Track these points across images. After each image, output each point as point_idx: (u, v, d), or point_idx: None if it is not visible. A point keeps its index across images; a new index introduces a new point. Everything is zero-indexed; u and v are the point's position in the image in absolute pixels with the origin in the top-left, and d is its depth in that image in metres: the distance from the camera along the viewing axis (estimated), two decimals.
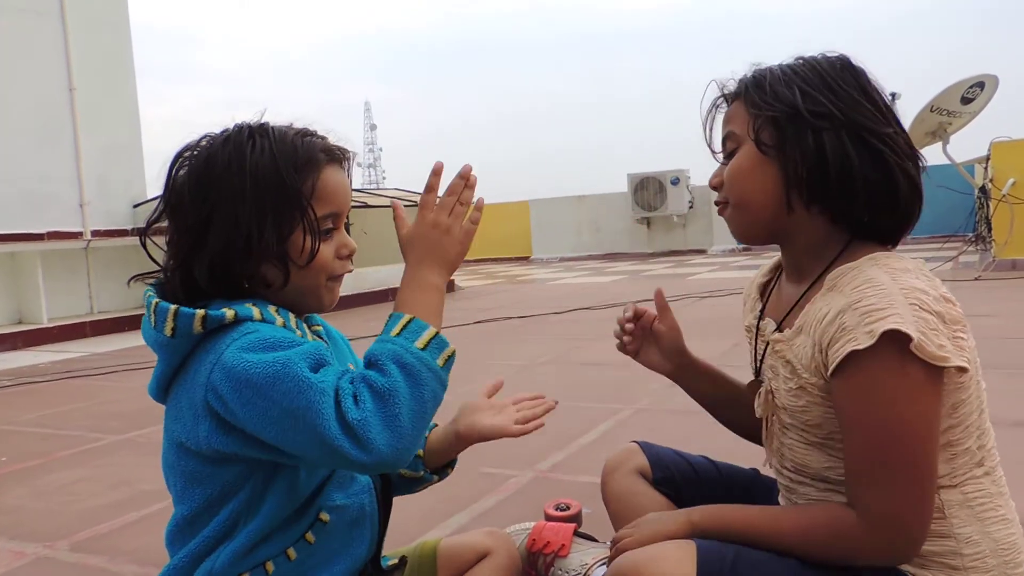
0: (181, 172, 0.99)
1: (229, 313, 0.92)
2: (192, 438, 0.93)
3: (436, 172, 0.98)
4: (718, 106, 1.12)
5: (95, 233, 6.76)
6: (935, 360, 0.88)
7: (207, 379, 0.90)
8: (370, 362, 0.89)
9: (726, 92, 1.10)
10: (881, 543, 0.92)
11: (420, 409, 0.86)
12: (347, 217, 1.04)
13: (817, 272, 1.04)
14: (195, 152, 0.99)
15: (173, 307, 0.92)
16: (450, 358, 0.90)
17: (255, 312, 0.94)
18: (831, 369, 0.94)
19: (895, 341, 0.88)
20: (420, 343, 0.89)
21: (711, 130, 1.13)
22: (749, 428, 1.26)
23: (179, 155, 1.00)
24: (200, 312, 0.91)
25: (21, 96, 6.38)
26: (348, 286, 8.23)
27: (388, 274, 8.30)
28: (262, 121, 1.01)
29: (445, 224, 0.97)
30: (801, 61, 1.05)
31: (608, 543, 1.42)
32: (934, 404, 0.91)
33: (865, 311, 0.90)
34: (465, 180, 0.99)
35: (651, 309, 1.29)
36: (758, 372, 1.16)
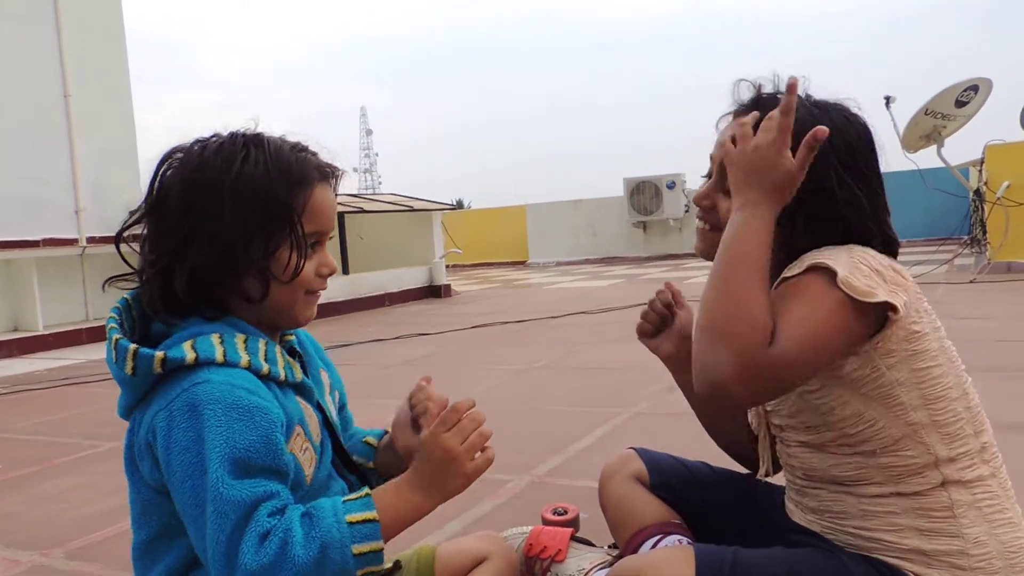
0: (168, 174, 0.98)
1: (189, 356, 0.90)
2: (141, 468, 0.95)
3: (446, 405, 0.97)
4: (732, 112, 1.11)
5: (90, 239, 6.74)
6: (860, 294, 0.91)
7: (151, 420, 0.91)
8: (309, 518, 0.87)
9: (749, 103, 1.09)
10: (762, 364, 0.88)
11: None
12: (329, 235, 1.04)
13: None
14: (185, 156, 0.98)
15: (132, 347, 0.91)
16: (369, 554, 0.88)
17: (218, 353, 0.91)
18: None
19: (823, 273, 0.93)
20: (359, 549, 0.87)
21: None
22: (731, 435, 1.28)
23: (167, 156, 0.99)
24: (159, 354, 0.90)
25: (16, 102, 6.37)
26: (343, 291, 8.20)
27: (384, 279, 8.29)
28: (257, 131, 1.00)
29: (456, 455, 0.93)
30: (828, 119, 1.01)
31: (605, 548, 1.42)
32: (848, 323, 0.92)
33: (807, 258, 0.97)
34: (482, 419, 0.96)
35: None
36: None
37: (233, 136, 0.99)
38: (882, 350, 0.96)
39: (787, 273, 0.97)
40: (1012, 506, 1.01)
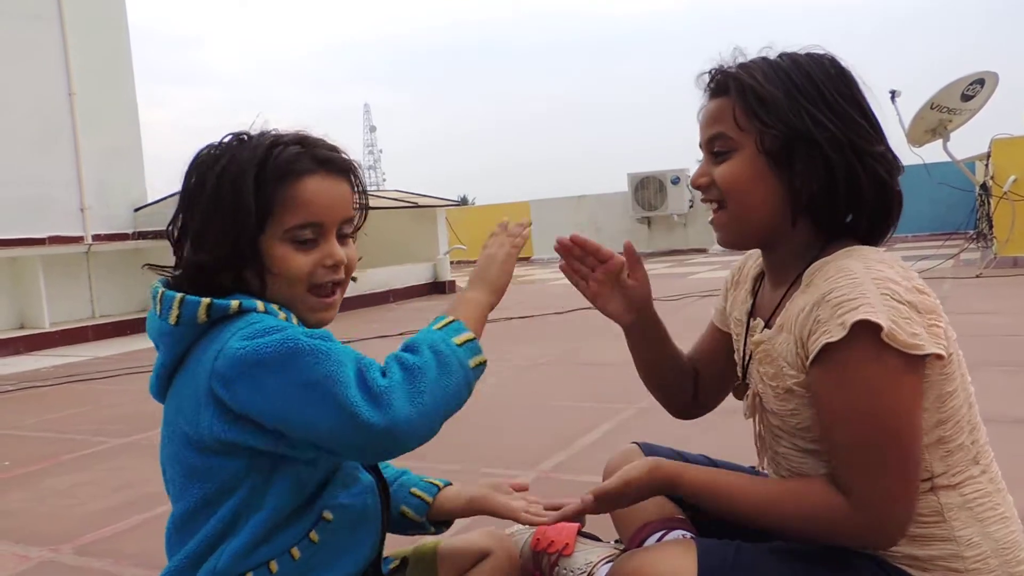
0: (194, 171, 1.02)
1: (234, 303, 0.94)
2: (193, 428, 0.94)
3: (503, 225, 1.17)
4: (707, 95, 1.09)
5: (96, 237, 6.76)
6: (908, 348, 0.89)
7: (211, 367, 0.91)
8: (407, 345, 0.93)
9: (711, 84, 1.08)
10: (871, 527, 0.92)
11: (443, 397, 0.90)
12: (344, 226, 1.03)
13: (796, 271, 1.04)
14: (207, 152, 1.02)
15: (179, 295, 0.94)
16: (480, 365, 0.96)
17: (259, 305, 0.95)
18: (809, 361, 0.94)
19: (868, 331, 0.88)
20: (458, 340, 0.95)
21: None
22: (680, 403, 1.33)
23: (198, 156, 1.03)
24: (205, 300, 0.93)
25: (21, 100, 6.39)
26: (349, 288, 8.28)
27: (388, 276, 8.30)
28: (262, 128, 1.02)
29: (491, 252, 1.11)
30: (791, 62, 1.03)
31: (612, 542, 1.42)
32: (914, 391, 0.91)
33: (837, 302, 0.91)
34: (521, 226, 1.16)
35: (619, 256, 1.27)
36: (744, 373, 1.16)
37: (236, 135, 1.02)
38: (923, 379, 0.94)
39: (829, 338, 0.90)
40: (1004, 500, 1.00)
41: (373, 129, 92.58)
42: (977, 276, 6.31)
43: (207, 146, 1.02)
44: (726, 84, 1.04)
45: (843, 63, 1.04)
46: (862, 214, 1.02)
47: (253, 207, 0.96)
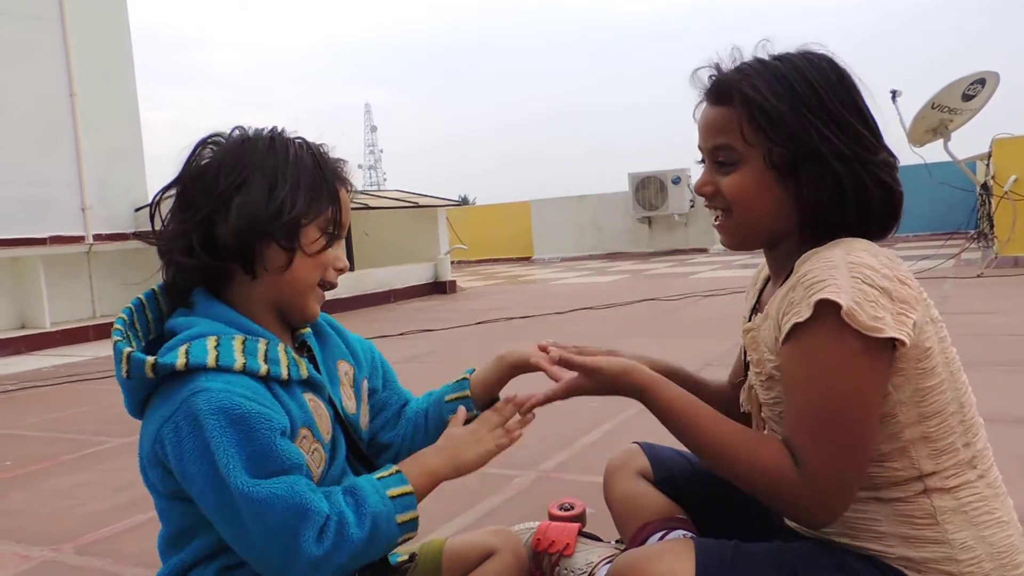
0: (206, 151, 1.02)
1: (180, 362, 0.91)
2: (152, 477, 0.97)
3: (507, 401, 1.13)
4: (701, 99, 1.09)
5: (97, 237, 6.76)
6: (867, 330, 0.89)
7: (157, 431, 0.92)
8: (353, 497, 0.94)
9: (711, 89, 1.06)
10: (811, 500, 0.92)
11: (358, 562, 0.94)
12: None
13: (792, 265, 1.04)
14: (225, 138, 1.03)
15: (126, 351, 0.94)
16: (408, 522, 0.97)
17: (209, 358, 0.92)
18: (780, 341, 0.96)
19: (830, 310, 0.90)
20: (402, 518, 0.96)
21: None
22: None
23: (204, 140, 1.03)
24: (150, 360, 0.92)
25: (22, 101, 6.39)
26: (350, 288, 8.21)
27: (389, 275, 8.29)
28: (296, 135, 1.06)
29: (479, 434, 1.08)
30: (792, 69, 1.02)
31: (612, 542, 1.42)
32: (871, 374, 0.91)
33: (809, 283, 0.93)
34: (522, 417, 1.12)
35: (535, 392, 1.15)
36: (746, 368, 1.16)
37: (274, 128, 1.05)
38: (893, 369, 0.94)
39: (797, 318, 0.92)
40: (1002, 504, 0.99)
41: (374, 129, 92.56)
42: (978, 276, 6.30)
43: (214, 133, 1.03)
44: (729, 93, 1.03)
45: (841, 64, 1.03)
46: (870, 218, 1.03)
47: (320, 189, 1.01)
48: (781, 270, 1.08)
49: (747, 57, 1.06)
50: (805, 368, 0.93)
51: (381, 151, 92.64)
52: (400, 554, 1.17)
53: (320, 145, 1.06)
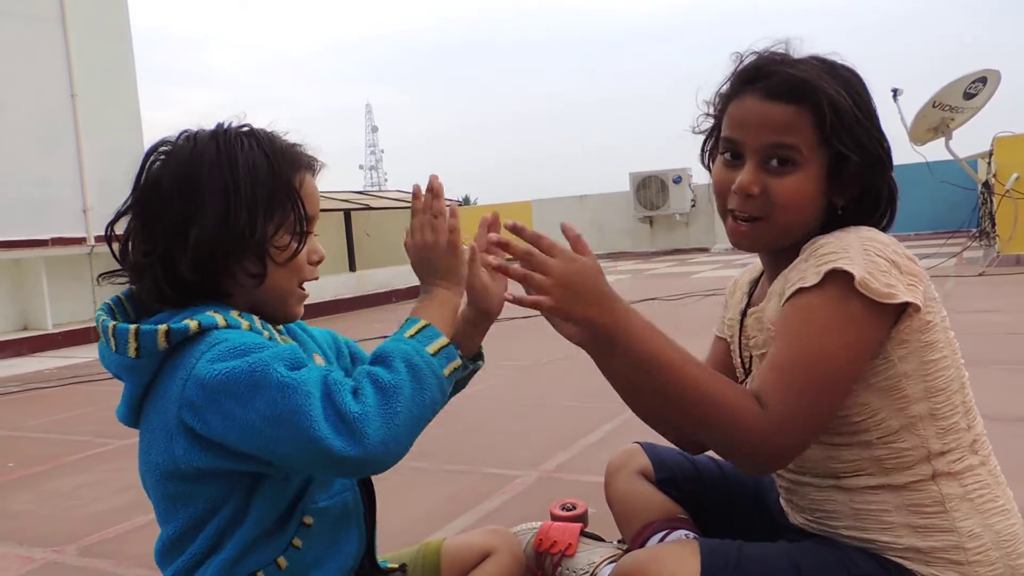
0: (156, 166, 0.98)
1: (192, 324, 0.89)
2: (169, 459, 0.92)
3: (415, 195, 1.03)
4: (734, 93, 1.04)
5: (99, 238, 6.76)
6: (880, 296, 0.90)
7: (180, 394, 0.88)
8: (378, 358, 0.90)
9: (779, 84, 0.99)
10: (768, 439, 0.90)
11: (419, 413, 0.87)
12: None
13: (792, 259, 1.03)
14: (174, 148, 0.98)
15: (133, 327, 0.90)
16: (456, 370, 0.93)
17: (219, 319, 0.91)
18: (782, 302, 0.96)
19: (840, 278, 0.91)
20: (432, 348, 0.91)
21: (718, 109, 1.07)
22: (692, 437, 1.15)
23: (154, 148, 0.99)
24: (163, 327, 0.89)
25: (23, 102, 6.39)
26: (351, 288, 8.17)
27: (391, 276, 8.30)
28: (244, 123, 1.01)
29: (427, 241, 1.01)
30: (847, 73, 1.02)
31: (615, 543, 1.42)
32: (865, 338, 0.93)
33: (821, 255, 0.94)
34: (433, 192, 1.02)
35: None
36: (745, 366, 1.16)
37: (222, 126, 0.99)
38: (896, 340, 0.95)
39: (803, 283, 0.93)
40: (1004, 492, 1.00)
41: (375, 129, 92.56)
42: (980, 274, 6.29)
43: (162, 141, 0.99)
44: (802, 91, 0.98)
45: (858, 71, 1.04)
46: (877, 216, 1.06)
47: (278, 194, 0.96)
48: (780, 264, 1.08)
49: (800, 54, 1.03)
50: (799, 323, 0.93)
51: (382, 151, 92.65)
52: (388, 561, 1.17)
53: (270, 132, 1.00)
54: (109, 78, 7.04)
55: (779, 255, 1.09)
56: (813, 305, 0.92)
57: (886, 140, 1.03)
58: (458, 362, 0.93)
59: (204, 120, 1.01)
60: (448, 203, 1.04)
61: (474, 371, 1.13)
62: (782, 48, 1.03)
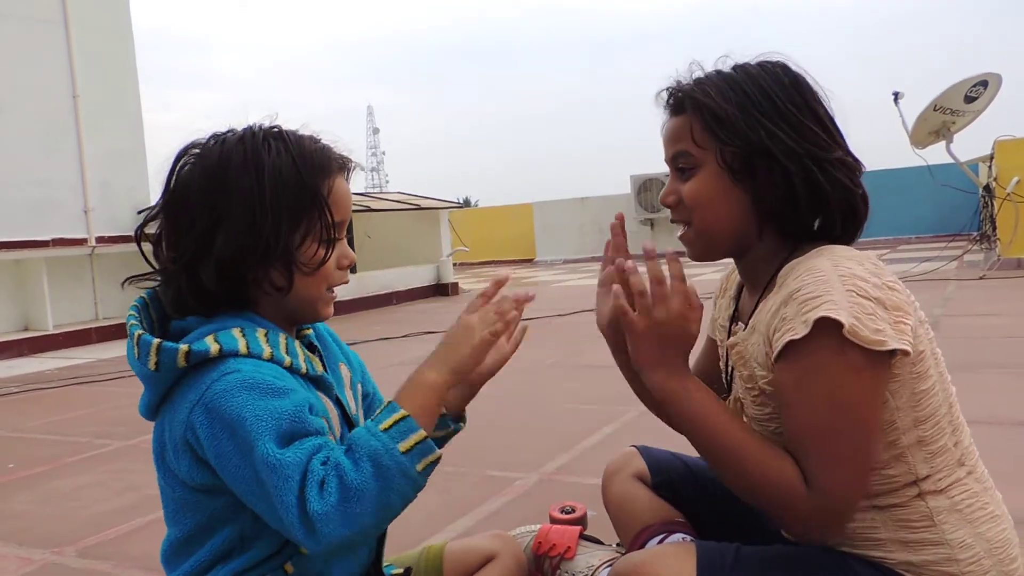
0: (185, 170, 0.97)
1: (214, 348, 0.90)
2: (176, 468, 0.94)
3: (497, 283, 1.05)
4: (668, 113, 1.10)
5: (99, 239, 6.77)
6: (870, 344, 0.89)
7: (187, 416, 0.89)
8: (350, 448, 0.88)
9: (670, 102, 1.08)
10: (822, 514, 0.91)
11: (385, 510, 0.86)
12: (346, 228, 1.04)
13: (769, 275, 1.04)
14: (203, 151, 0.97)
15: (156, 341, 0.91)
16: (432, 464, 0.90)
17: (240, 345, 0.92)
18: (773, 358, 0.95)
19: (830, 327, 0.89)
20: (405, 446, 0.88)
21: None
22: None
23: (184, 152, 0.98)
24: (184, 347, 0.89)
25: (25, 103, 6.40)
26: (352, 290, 8.18)
27: (391, 278, 8.30)
28: (274, 125, 0.99)
29: (471, 326, 0.98)
30: (744, 75, 1.04)
31: (614, 545, 1.42)
32: (875, 386, 0.92)
33: (802, 300, 0.92)
34: (516, 303, 1.02)
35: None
36: (729, 380, 1.15)
37: (251, 129, 0.98)
38: (890, 376, 0.94)
39: (793, 335, 0.91)
40: (992, 498, 1.00)
41: (376, 131, 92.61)
42: (981, 278, 6.29)
43: (193, 144, 0.98)
44: (683, 102, 1.06)
45: (796, 69, 1.05)
46: (831, 218, 1.03)
47: (304, 202, 0.95)
48: (756, 278, 1.08)
49: (706, 70, 1.08)
50: (807, 387, 0.92)
51: (383, 153, 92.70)
52: (394, 566, 1.17)
53: (300, 134, 0.98)
54: (111, 79, 7.05)
55: (751, 268, 1.09)
56: (816, 365, 0.90)
57: (793, 131, 1.00)
58: (435, 455, 0.90)
59: (204, 121, 1.01)
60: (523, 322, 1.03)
61: (456, 431, 1.14)
62: (695, 68, 1.08)
